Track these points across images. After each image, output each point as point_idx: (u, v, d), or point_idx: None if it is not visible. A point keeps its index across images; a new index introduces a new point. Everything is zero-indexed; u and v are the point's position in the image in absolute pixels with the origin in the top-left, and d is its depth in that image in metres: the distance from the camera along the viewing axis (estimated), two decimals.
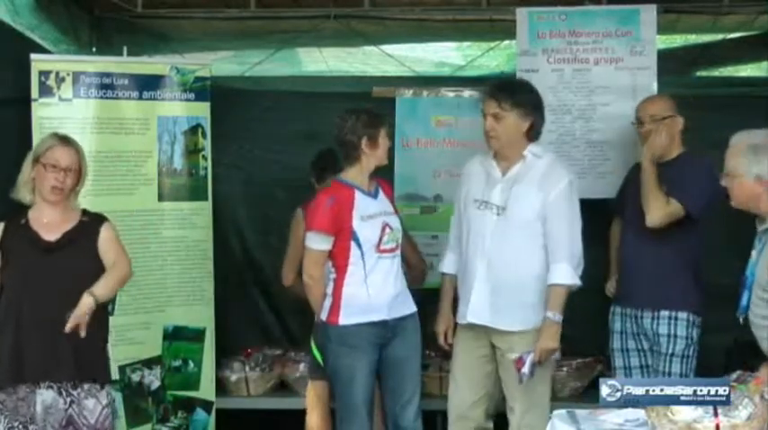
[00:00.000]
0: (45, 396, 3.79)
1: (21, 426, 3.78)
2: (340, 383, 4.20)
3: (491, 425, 4.35)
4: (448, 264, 4.40)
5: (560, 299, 4.09)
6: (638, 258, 4.44)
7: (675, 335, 4.35)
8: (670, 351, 4.35)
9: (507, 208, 4.13)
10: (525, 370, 4.02)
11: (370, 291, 4.15)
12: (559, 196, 4.12)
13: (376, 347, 4.19)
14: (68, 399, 3.82)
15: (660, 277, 4.37)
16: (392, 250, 4.22)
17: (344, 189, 4.20)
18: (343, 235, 4.14)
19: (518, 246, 4.13)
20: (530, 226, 4.12)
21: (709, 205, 4.31)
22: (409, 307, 4.28)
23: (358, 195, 4.19)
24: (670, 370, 4.32)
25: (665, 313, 4.37)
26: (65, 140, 3.95)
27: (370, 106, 4.57)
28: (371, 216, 4.18)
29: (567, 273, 4.10)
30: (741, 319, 3.51)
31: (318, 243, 4.17)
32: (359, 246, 4.14)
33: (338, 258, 4.18)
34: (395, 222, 4.26)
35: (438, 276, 4.50)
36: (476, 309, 4.18)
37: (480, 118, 4.22)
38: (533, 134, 4.20)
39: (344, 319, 4.15)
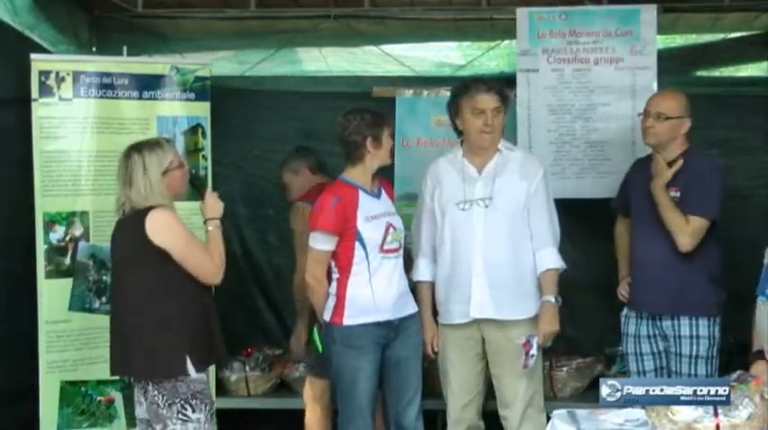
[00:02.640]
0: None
1: (214, 410, 3.98)
2: (344, 383, 4.19)
3: (482, 423, 4.38)
4: (422, 272, 4.39)
5: (555, 282, 4.21)
6: (653, 262, 4.32)
7: (698, 336, 4.27)
8: (694, 353, 4.27)
9: (494, 199, 4.20)
10: (534, 351, 4.08)
11: (375, 291, 4.15)
12: (539, 185, 4.26)
13: (379, 347, 4.18)
14: None
15: (677, 282, 4.27)
16: (395, 250, 4.21)
17: (349, 189, 4.19)
18: (347, 235, 4.14)
19: (510, 236, 4.20)
20: (518, 215, 4.22)
21: (723, 204, 4.29)
22: (411, 307, 4.28)
23: (362, 195, 4.19)
24: (696, 372, 4.25)
25: (685, 317, 4.29)
26: (168, 141, 4.11)
27: (371, 106, 4.56)
28: (375, 216, 4.18)
29: (557, 257, 4.24)
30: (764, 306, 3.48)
31: (323, 243, 4.16)
32: (363, 246, 4.14)
33: (342, 258, 4.17)
34: (398, 222, 4.25)
35: None
36: (478, 305, 4.20)
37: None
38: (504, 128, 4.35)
39: (349, 320, 4.14)
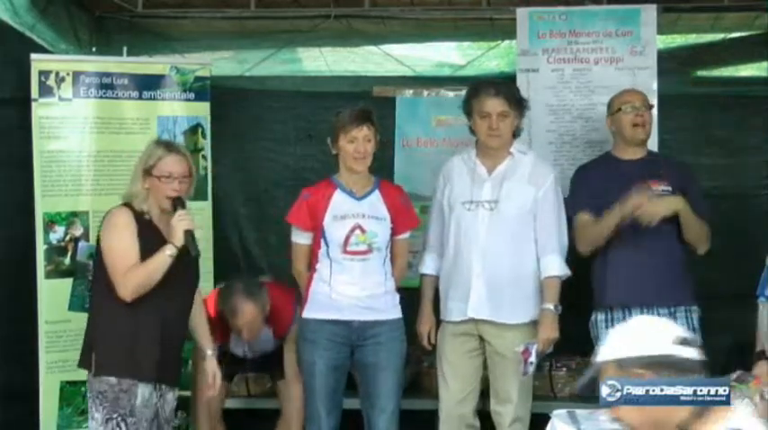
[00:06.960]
0: (144, 390, 3.82)
1: (119, 418, 3.80)
2: (304, 377, 4.28)
3: (478, 423, 4.40)
4: (428, 265, 4.46)
5: (556, 290, 4.23)
6: (645, 258, 4.31)
7: (694, 330, 4.27)
8: None
9: (500, 203, 4.24)
10: (533, 358, 4.11)
11: (333, 289, 4.19)
12: (548, 191, 4.28)
13: (340, 346, 4.19)
14: (158, 394, 3.89)
15: (668, 273, 4.31)
16: (362, 253, 4.18)
17: (327, 187, 4.26)
18: (317, 232, 4.22)
19: (512, 240, 4.25)
20: (522, 220, 4.25)
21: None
22: (384, 313, 4.23)
23: (337, 194, 4.23)
24: None
25: (681, 310, 4.30)
26: (172, 148, 3.93)
27: (371, 105, 4.55)
28: (344, 216, 4.19)
29: (561, 265, 4.26)
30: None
31: (296, 236, 4.30)
32: (327, 244, 4.19)
33: (314, 254, 4.25)
34: (374, 226, 4.19)
35: None
36: (475, 305, 4.25)
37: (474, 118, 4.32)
38: (517, 132, 4.37)
39: (306, 313, 4.24)
